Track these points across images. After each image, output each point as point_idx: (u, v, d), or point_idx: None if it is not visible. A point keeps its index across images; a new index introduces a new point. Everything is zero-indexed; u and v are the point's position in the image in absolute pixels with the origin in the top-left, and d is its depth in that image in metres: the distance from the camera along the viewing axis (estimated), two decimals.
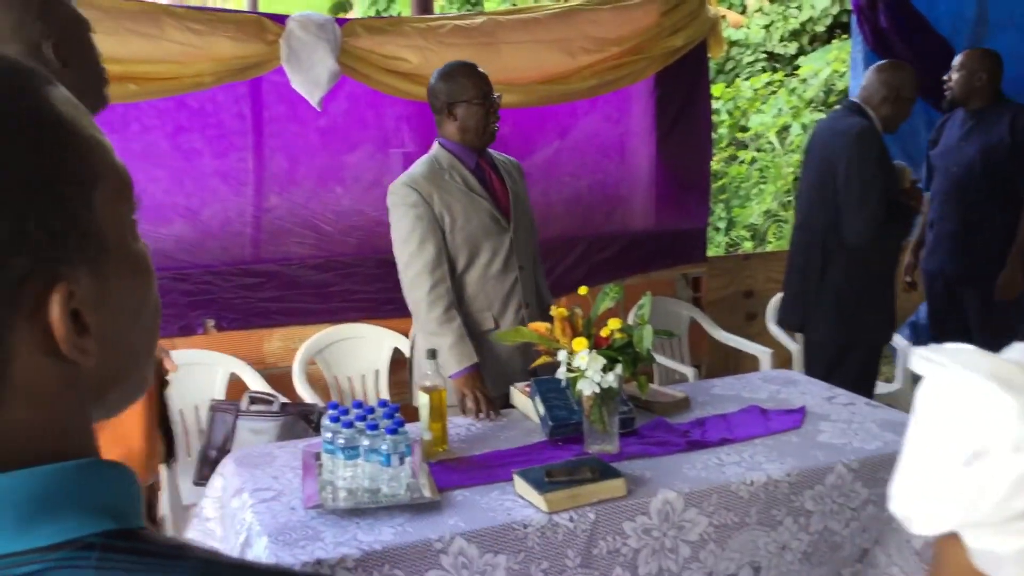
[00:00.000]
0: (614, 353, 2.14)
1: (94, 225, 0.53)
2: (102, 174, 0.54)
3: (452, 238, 2.57)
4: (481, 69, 2.62)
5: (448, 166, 2.60)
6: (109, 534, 0.50)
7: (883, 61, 3.38)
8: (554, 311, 2.24)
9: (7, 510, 0.47)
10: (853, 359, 3.28)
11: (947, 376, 0.73)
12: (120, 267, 0.55)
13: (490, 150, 2.72)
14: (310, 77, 3.12)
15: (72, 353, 0.51)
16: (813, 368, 3.27)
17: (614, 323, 2.18)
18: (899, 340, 3.96)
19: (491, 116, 2.59)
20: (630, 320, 3.55)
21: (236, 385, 3.20)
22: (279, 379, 3.32)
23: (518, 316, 2.64)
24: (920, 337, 4.28)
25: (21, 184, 0.49)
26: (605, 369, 2.11)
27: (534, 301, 2.72)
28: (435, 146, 2.66)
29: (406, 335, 3.49)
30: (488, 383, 2.53)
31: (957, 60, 3.81)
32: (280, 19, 3.16)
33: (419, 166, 2.63)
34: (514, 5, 10.68)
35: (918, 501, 0.74)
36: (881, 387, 3.68)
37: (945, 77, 3.81)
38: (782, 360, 3.78)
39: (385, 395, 3.44)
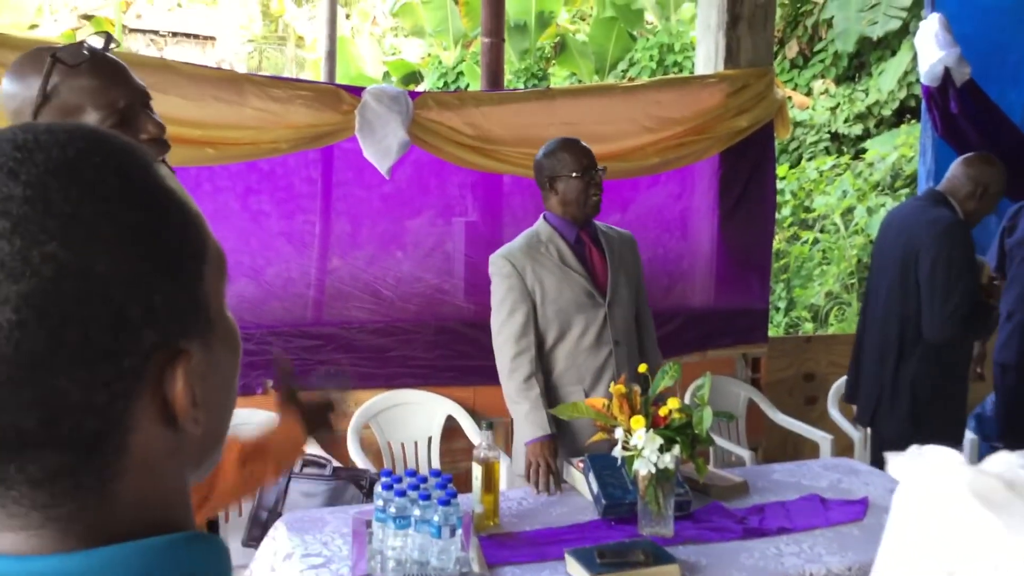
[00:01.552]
0: (672, 433, 2.11)
1: (204, 298, 0.54)
2: (209, 248, 0.56)
3: (543, 311, 2.60)
4: (584, 144, 2.67)
5: (547, 239, 2.65)
6: None
7: (972, 154, 3.26)
8: (612, 388, 2.22)
9: None
10: None
11: (926, 487, 0.68)
12: (220, 339, 0.56)
13: (600, 223, 2.76)
14: (381, 147, 3.20)
15: (188, 424, 0.53)
16: (882, 465, 3.13)
17: (673, 402, 2.15)
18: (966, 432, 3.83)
19: (591, 189, 2.62)
20: (687, 399, 3.52)
21: None
22: (333, 442, 3.33)
23: (609, 392, 2.63)
24: (986, 429, 4.13)
25: (154, 260, 0.51)
26: (662, 449, 2.08)
27: (629, 377, 2.70)
28: (540, 220, 2.72)
29: (461, 403, 3.51)
30: (565, 456, 2.52)
31: None
32: (356, 91, 3.26)
33: (520, 239, 2.70)
34: (580, 83, 10.87)
35: None
36: None
37: None
38: (843, 447, 3.68)
39: (436, 463, 3.42)
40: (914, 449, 0.72)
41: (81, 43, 1.37)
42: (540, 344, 2.61)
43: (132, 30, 14.16)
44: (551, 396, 2.59)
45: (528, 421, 2.51)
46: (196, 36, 16.77)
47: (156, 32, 16.06)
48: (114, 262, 0.49)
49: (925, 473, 0.68)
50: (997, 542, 0.63)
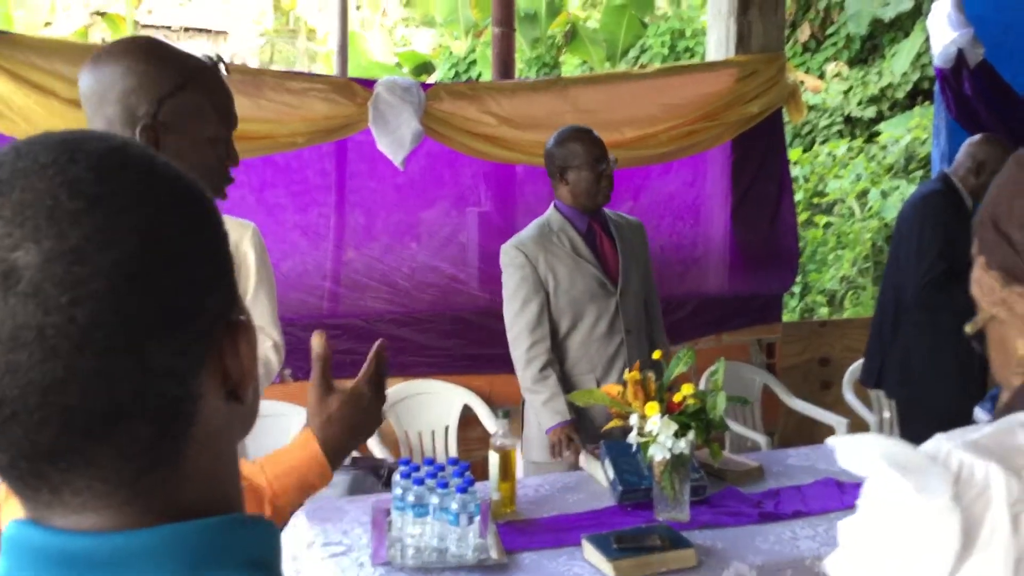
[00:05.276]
0: (687, 419, 2.12)
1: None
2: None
3: (556, 300, 2.63)
4: (595, 133, 2.67)
5: (558, 229, 2.67)
6: None
7: (979, 135, 3.42)
8: (627, 375, 2.24)
9: (183, 557, 0.51)
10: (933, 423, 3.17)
11: (847, 461, 0.79)
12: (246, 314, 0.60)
13: (610, 211, 2.77)
14: (395, 138, 3.22)
15: (247, 393, 0.56)
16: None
17: (687, 388, 2.16)
18: (978, 413, 3.81)
19: (601, 181, 2.63)
20: (702, 385, 3.53)
21: None
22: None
23: (621, 380, 2.64)
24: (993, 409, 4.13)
25: (214, 234, 0.55)
26: (677, 435, 2.10)
27: (643, 364, 2.71)
28: (550, 208, 2.74)
29: (477, 392, 3.54)
30: (581, 442, 2.56)
31: None
32: (369, 83, 3.29)
33: (530, 228, 2.71)
34: (591, 70, 10.84)
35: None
36: None
37: None
38: (858, 430, 3.68)
39: (453, 451, 3.45)
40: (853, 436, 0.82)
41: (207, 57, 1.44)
42: (553, 333, 2.63)
43: (144, 26, 14.22)
44: (563, 385, 2.61)
45: (547, 409, 2.55)
46: (208, 31, 16.81)
47: (168, 27, 16.11)
48: (185, 233, 0.52)
49: (847, 451, 0.76)
50: (906, 502, 0.73)
